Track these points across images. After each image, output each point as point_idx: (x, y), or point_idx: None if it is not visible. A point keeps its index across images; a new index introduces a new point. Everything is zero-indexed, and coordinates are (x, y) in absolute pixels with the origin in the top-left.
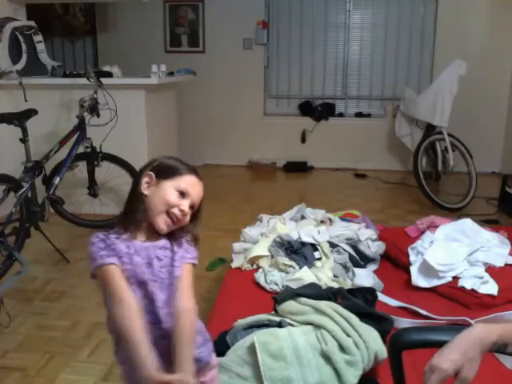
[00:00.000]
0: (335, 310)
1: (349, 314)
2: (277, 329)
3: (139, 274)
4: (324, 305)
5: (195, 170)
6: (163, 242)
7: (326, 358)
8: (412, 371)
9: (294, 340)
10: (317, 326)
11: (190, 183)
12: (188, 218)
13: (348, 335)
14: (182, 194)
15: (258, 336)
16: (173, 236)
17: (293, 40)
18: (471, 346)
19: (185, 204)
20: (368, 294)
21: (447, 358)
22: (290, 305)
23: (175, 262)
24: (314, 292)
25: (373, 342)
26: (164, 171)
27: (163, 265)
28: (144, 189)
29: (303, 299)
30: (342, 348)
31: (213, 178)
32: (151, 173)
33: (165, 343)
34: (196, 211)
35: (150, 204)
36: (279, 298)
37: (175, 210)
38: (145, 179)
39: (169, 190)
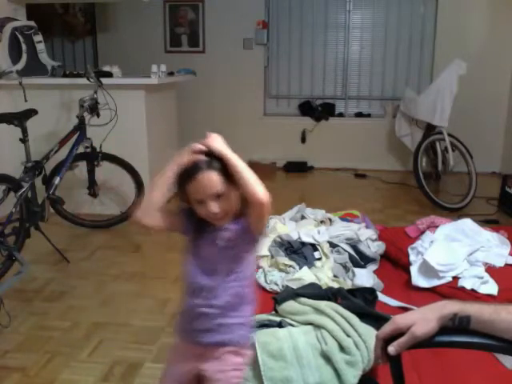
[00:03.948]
0: (335, 310)
1: (349, 314)
2: (277, 329)
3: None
4: (324, 305)
5: (193, 168)
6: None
7: (326, 358)
8: (412, 371)
9: (293, 340)
10: (317, 326)
11: (196, 191)
12: (228, 202)
13: (348, 335)
14: (202, 202)
15: (258, 336)
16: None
17: (293, 40)
18: (431, 309)
19: (211, 207)
20: (368, 294)
21: (405, 317)
22: (289, 305)
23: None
24: (313, 292)
25: (373, 342)
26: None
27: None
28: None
29: (303, 299)
30: (342, 348)
31: None
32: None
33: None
34: (229, 177)
35: None
36: (279, 298)
37: (210, 217)
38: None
39: (194, 206)
